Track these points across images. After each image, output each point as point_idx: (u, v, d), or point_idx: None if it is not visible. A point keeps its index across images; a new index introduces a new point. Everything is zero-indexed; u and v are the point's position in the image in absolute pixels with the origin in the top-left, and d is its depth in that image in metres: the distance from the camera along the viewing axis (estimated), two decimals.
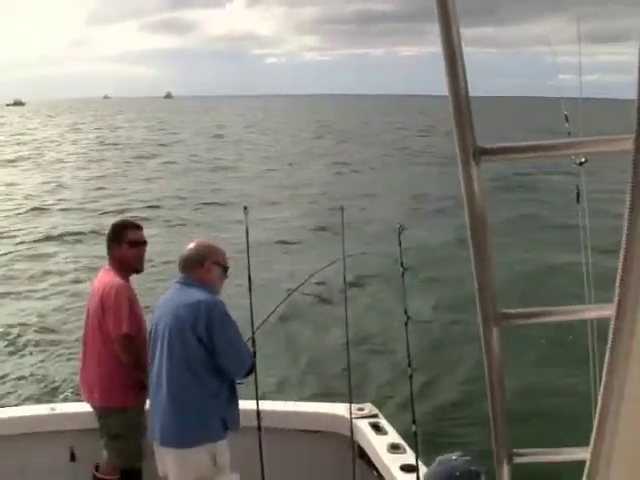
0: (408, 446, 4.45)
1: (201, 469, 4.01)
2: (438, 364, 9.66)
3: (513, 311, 1.16)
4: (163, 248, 14.03)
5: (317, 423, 4.99)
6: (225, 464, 4.09)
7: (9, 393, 8.99)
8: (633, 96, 0.84)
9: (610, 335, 0.95)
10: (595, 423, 1.03)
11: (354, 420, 4.80)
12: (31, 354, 10.49)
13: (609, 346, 0.96)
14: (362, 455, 4.73)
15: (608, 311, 0.98)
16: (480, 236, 1.07)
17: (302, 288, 5.99)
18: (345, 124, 79.63)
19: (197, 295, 4.05)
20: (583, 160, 2.59)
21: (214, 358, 3.98)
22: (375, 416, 4.91)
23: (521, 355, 8.92)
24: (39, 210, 23.64)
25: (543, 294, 12.12)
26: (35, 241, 18.58)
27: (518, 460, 1.23)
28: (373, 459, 4.59)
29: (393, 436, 4.66)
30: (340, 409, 4.94)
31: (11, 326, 11.53)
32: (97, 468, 4.71)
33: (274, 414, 4.84)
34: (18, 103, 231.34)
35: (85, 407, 5.12)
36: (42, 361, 10.11)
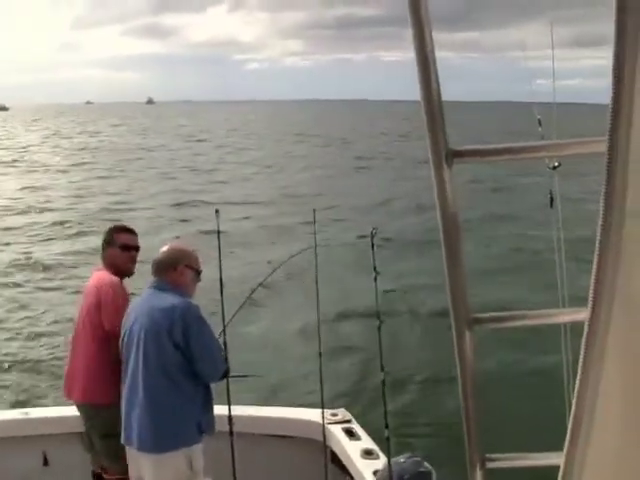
0: (381, 451, 4.45)
1: (178, 474, 4.00)
2: (411, 368, 9.67)
3: (485, 315, 1.15)
4: None
5: (290, 428, 4.97)
6: (200, 468, 4.09)
7: None
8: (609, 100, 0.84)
9: (584, 339, 0.94)
10: (569, 428, 1.03)
11: (327, 425, 4.79)
12: None
13: (582, 350, 0.95)
14: (335, 460, 4.72)
15: (582, 315, 0.97)
16: (452, 239, 1.06)
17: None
18: (325, 129, 79.94)
19: (171, 299, 4.03)
20: (556, 164, 2.59)
21: (190, 363, 3.97)
22: (348, 421, 4.91)
23: (494, 359, 8.95)
24: None
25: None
26: None
27: (491, 465, 1.22)
28: (346, 464, 4.58)
29: (366, 441, 4.66)
30: (313, 414, 4.93)
31: None
32: (99, 476, 4.66)
33: (246, 419, 4.82)
34: (2, 108, 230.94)
35: (58, 412, 5.08)
36: None
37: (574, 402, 1.00)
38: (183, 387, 3.99)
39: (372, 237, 4.55)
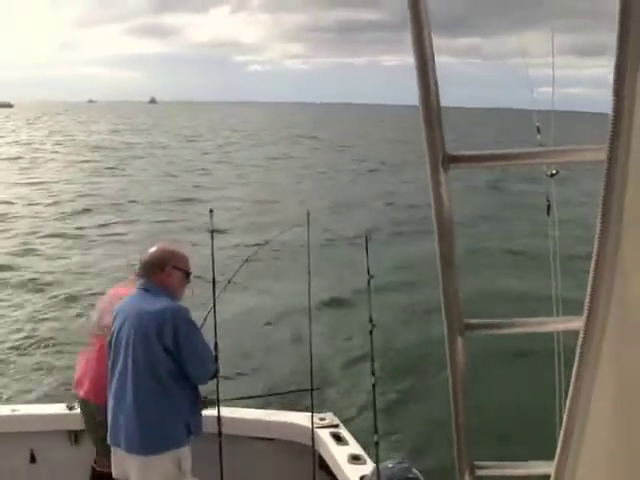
0: (369, 456, 4.44)
1: (166, 475, 4.00)
2: (402, 373, 9.67)
3: (478, 321, 1.14)
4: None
5: (278, 432, 4.97)
6: (188, 470, 4.09)
7: None
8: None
9: (578, 348, 0.94)
10: (560, 437, 1.02)
11: (315, 430, 4.78)
12: None
13: (577, 359, 0.95)
14: (323, 465, 4.72)
15: (575, 323, 0.97)
16: (447, 244, 1.06)
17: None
18: (322, 132, 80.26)
19: (160, 302, 4.01)
20: (554, 172, 2.59)
21: (179, 365, 3.97)
22: (336, 426, 4.91)
23: (486, 366, 8.95)
24: None
25: None
26: None
27: (480, 473, 1.22)
28: (333, 469, 4.58)
29: (354, 447, 4.66)
30: (301, 418, 4.92)
31: None
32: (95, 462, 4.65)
33: (235, 421, 4.82)
34: (6, 105, 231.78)
35: (46, 409, 5.06)
36: None
37: (566, 411, 1.00)
38: (172, 389, 3.98)
39: (366, 241, 4.54)
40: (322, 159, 43.58)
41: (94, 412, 4.54)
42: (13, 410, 5.11)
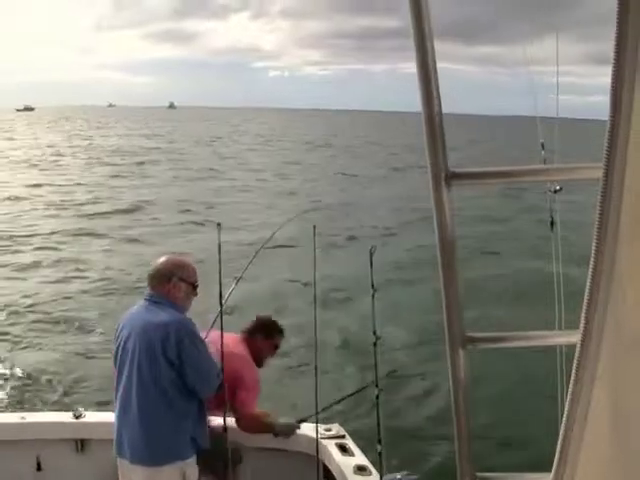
0: (374, 468, 4.43)
1: None
2: (406, 385, 9.64)
3: (479, 334, 1.16)
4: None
5: (284, 442, 4.95)
6: None
7: None
8: None
9: (575, 362, 0.95)
10: (557, 449, 1.04)
11: (321, 440, 4.78)
12: None
13: (573, 373, 0.96)
14: (328, 476, 4.71)
15: (575, 337, 0.98)
16: (449, 259, 1.08)
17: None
18: (339, 139, 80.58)
19: (165, 315, 4.00)
20: (558, 188, 2.61)
21: (183, 379, 3.96)
22: (342, 437, 4.89)
23: (488, 378, 8.92)
24: None
25: None
26: None
27: None
28: None
29: (360, 457, 4.64)
30: (307, 429, 4.90)
31: None
32: None
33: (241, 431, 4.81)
34: (28, 108, 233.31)
35: (54, 417, 5.06)
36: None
37: (563, 424, 1.01)
38: (176, 402, 3.97)
39: (371, 255, 4.55)
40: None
41: None
42: (21, 417, 5.12)
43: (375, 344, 4.44)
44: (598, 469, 1.02)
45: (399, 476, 2.90)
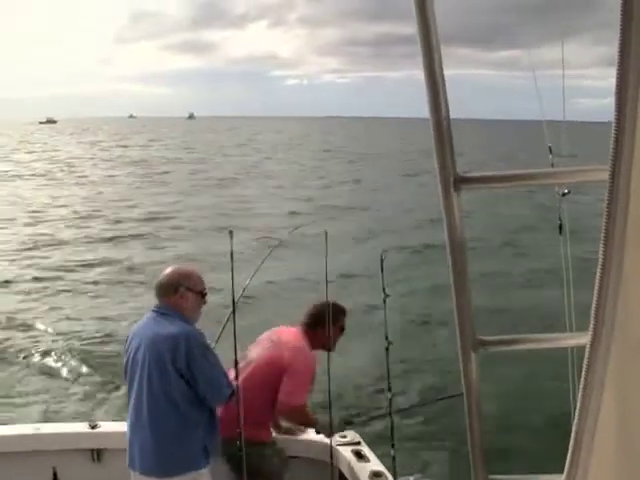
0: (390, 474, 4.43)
1: None
2: (418, 388, 9.63)
3: (491, 338, 1.17)
4: None
5: (299, 449, 4.95)
6: None
7: None
8: None
9: (584, 364, 0.96)
10: (569, 451, 1.04)
11: (336, 447, 4.77)
12: None
13: (583, 375, 0.97)
14: None
15: (585, 339, 0.99)
16: (459, 263, 1.08)
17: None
18: (358, 147, 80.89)
19: (174, 326, 4.00)
20: (566, 191, 2.61)
21: (194, 389, 3.97)
22: (357, 443, 4.88)
23: (500, 381, 8.90)
24: None
25: None
26: None
27: None
28: None
29: (375, 463, 4.63)
30: (322, 436, 4.90)
31: None
32: None
33: None
34: (50, 121, 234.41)
35: (69, 428, 5.07)
36: None
37: (574, 426, 1.02)
38: (187, 413, 3.97)
39: (382, 261, 4.56)
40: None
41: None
42: (37, 428, 5.13)
43: (387, 349, 4.45)
44: (610, 470, 1.03)
45: (412, 478, 2.90)
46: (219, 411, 4.41)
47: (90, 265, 17.47)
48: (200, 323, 4.21)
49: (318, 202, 29.52)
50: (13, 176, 42.31)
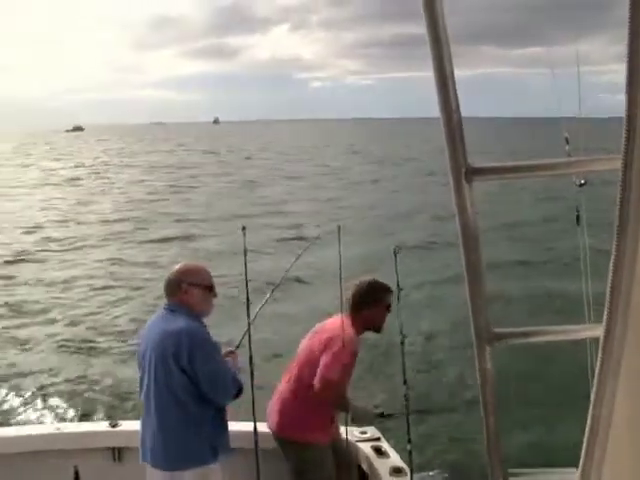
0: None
1: None
2: (434, 383, 9.63)
3: (506, 330, 1.16)
4: None
5: None
6: None
7: None
8: None
9: (599, 356, 0.95)
10: (584, 444, 1.03)
11: (356, 443, 4.77)
12: None
13: (597, 368, 0.96)
14: (364, 478, 4.71)
15: (599, 331, 0.98)
16: (473, 255, 1.07)
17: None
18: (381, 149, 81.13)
19: (179, 323, 4.03)
20: (583, 182, 2.58)
21: (198, 386, 3.98)
22: (377, 439, 4.88)
23: (517, 374, 8.86)
24: None
25: None
26: None
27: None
28: None
29: (395, 459, 4.63)
30: (342, 432, 4.90)
31: None
32: None
33: (272, 435, 4.80)
34: (78, 128, 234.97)
35: (90, 427, 5.09)
36: None
37: (589, 419, 1.01)
38: (191, 409, 3.99)
39: (395, 255, 4.55)
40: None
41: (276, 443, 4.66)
42: (58, 428, 5.17)
43: (402, 343, 4.43)
44: (625, 463, 1.02)
45: (431, 473, 2.89)
46: (273, 409, 4.58)
47: None
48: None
49: None
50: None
